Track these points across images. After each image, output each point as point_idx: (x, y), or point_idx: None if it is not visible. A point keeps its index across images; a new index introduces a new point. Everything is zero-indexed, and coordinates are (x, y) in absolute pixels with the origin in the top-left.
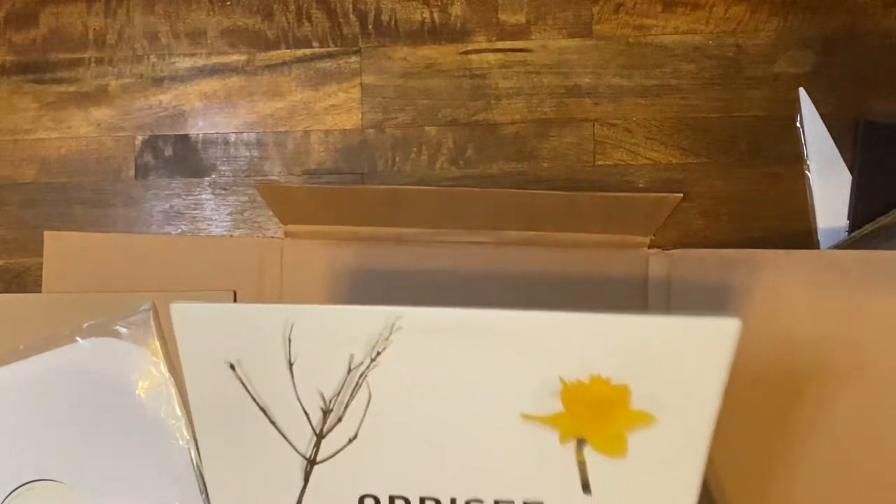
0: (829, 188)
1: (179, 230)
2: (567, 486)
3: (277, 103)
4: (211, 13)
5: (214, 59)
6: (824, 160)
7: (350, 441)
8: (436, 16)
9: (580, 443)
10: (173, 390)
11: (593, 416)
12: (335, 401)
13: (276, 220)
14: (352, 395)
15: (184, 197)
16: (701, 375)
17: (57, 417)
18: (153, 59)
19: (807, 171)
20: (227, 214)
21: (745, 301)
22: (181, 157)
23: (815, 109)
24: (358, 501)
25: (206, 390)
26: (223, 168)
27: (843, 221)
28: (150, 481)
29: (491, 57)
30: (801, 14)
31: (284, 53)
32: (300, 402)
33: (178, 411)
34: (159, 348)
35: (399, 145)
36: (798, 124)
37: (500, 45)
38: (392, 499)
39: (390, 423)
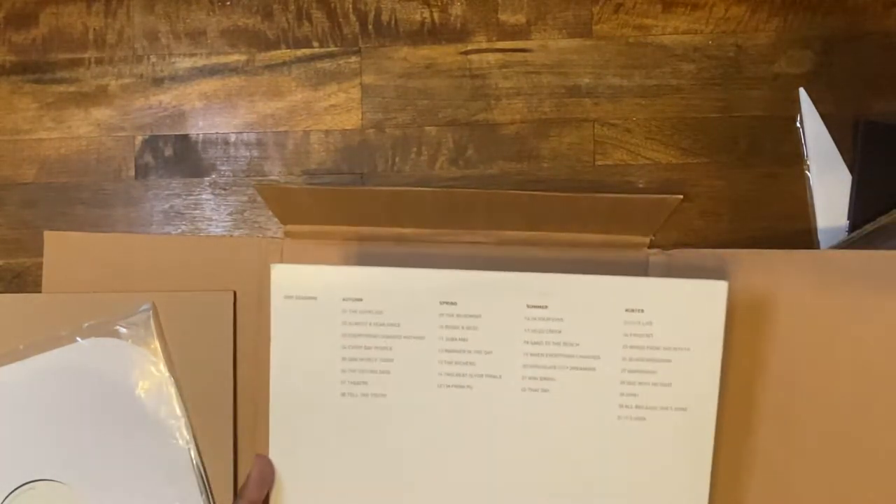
0: (829, 188)
1: (179, 230)
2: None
3: (277, 103)
4: (211, 13)
5: (214, 59)
6: (824, 160)
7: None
8: (436, 16)
9: None
10: (173, 390)
11: None
12: None
13: (276, 220)
14: None
15: (184, 197)
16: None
17: (57, 417)
18: (153, 59)
19: (807, 171)
20: (227, 214)
21: (745, 301)
22: (181, 157)
23: (815, 109)
24: None
25: None
26: (223, 168)
27: (843, 221)
28: (150, 481)
29: (491, 57)
30: (801, 14)
31: (284, 53)
32: None
33: (178, 411)
34: (159, 348)
35: (399, 145)
36: (798, 124)
37: (500, 45)
38: None
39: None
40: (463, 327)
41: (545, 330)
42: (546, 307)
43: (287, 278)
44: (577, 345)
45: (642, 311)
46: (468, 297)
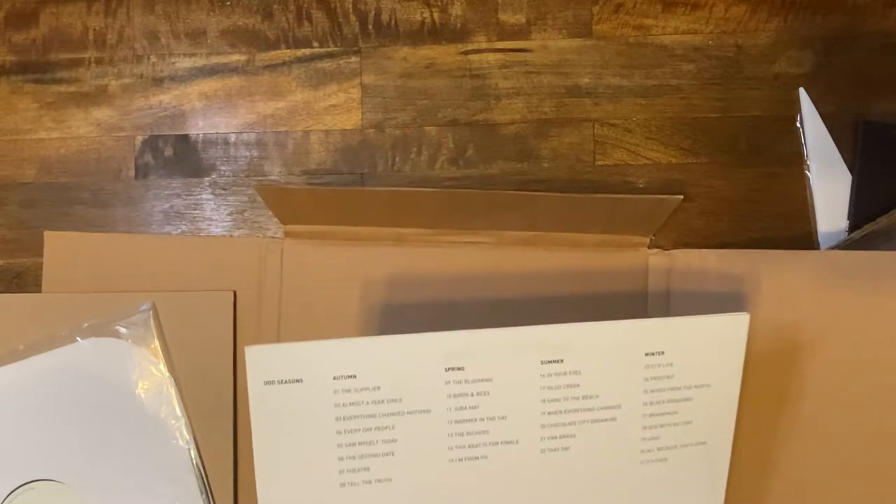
0: (829, 188)
1: (179, 230)
2: None
3: (277, 103)
4: (211, 13)
5: (214, 59)
6: (824, 160)
7: None
8: (436, 16)
9: None
10: (173, 390)
11: None
12: None
13: (276, 220)
14: None
15: (184, 197)
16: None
17: (57, 417)
18: (153, 59)
19: (807, 171)
20: (227, 214)
21: (746, 301)
22: (181, 157)
23: (815, 109)
24: None
25: None
26: (223, 168)
27: (843, 221)
28: (150, 481)
29: (491, 57)
30: (801, 14)
31: (284, 53)
32: None
33: (178, 411)
34: (159, 348)
35: (399, 145)
36: (798, 124)
37: (500, 45)
38: None
39: None
40: (473, 394)
41: (563, 385)
42: (562, 361)
43: (265, 361)
44: (597, 396)
45: (663, 353)
46: (476, 359)
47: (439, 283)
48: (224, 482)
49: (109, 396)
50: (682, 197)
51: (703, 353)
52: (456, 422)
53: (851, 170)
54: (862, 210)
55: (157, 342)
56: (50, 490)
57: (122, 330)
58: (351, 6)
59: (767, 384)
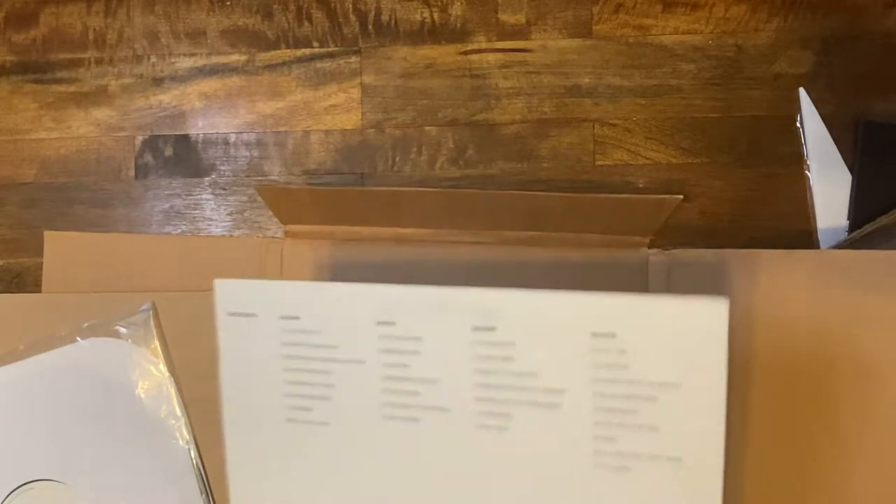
0: (829, 188)
1: (179, 230)
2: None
3: (277, 103)
4: (211, 13)
5: (214, 59)
6: (824, 160)
7: None
8: (436, 16)
9: None
10: (173, 390)
11: None
12: None
13: (276, 220)
14: None
15: (184, 197)
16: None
17: (57, 417)
18: (153, 59)
19: (807, 171)
20: (227, 214)
21: (745, 301)
22: (181, 157)
23: (815, 109)
24: None
25: None
26: (223, 168)
27: (843, 221)
28: (150, 481)
29: (491, 57)
30: (801, 14)
31: (284, 53)
32: None
33: (178, 411)
34: (159, 348)
35: (399, 145)
36: (798, 124)
37: (500, 45)
38: None
39: None
40: (403, 351)
41: (496, 356)
42: (494, 329)
43: (230, 294)
44: (535, 375)
45: (613, 335)
46: (407, 316)
47: (439, 283)
48: (224, 482)
49: (109, 396)
50: (682, 197)
51: (665, 343)
52: (388, 378)
53: (851, 170)
54: (862, 210)
55: (157, 342)
56: (50, 490)
57: (122, 330)
58: (351, 6)
59: (764, 384)
